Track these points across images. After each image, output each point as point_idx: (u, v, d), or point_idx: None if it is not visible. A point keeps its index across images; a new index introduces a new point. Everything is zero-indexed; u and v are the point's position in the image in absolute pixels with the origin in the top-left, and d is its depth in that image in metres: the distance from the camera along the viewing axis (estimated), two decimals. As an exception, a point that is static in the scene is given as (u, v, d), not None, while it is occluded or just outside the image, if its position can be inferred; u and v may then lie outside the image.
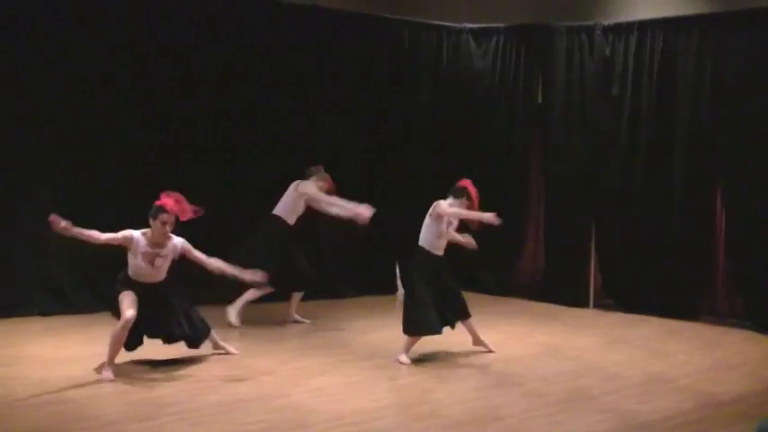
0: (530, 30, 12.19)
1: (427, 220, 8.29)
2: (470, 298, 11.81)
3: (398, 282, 12.18)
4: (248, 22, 11.05)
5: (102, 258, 9.99)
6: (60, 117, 10.01)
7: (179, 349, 7.95)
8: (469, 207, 8.23)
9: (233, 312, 9.50)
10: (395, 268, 12.20)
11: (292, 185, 9.67)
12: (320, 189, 9.57)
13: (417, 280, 8.24)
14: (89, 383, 7.10)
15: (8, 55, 9.71)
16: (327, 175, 9.73)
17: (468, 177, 12.36)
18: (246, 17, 11.06)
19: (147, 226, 7.44)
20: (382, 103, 12.14)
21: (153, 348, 8.41)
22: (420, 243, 8.33)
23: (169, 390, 7.05)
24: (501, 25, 12.42)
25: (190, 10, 10.71)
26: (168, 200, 7.38)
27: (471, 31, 12.61)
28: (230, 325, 9.39)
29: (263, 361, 8.12)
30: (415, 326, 8.17)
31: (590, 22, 11.56)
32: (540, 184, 12.40)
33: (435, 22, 12.55)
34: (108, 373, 7.22)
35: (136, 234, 7.38)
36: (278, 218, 9.59)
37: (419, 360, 8.27)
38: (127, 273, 7.49)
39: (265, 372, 7.73)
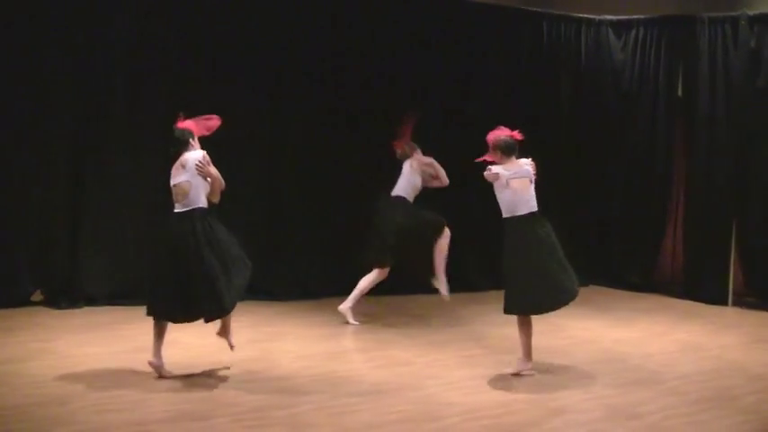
0: (671, 21, 11.94)
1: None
2: (613, 294, 11.80)
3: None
4: (392, 16, 11.19)
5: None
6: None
7: (321, 339, 8.07)
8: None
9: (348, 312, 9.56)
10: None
11: (407, 163, 9.77)
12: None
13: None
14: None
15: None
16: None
17: (608, 171, 12.32)
18: (389, 11, 11.18)
19: None
20: (521, 97, 12.02)
21: (293, 337, 8.64)
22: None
23: (307, 379, 7.20)
24: (641, 17, 12.20)
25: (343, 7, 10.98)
26: None
27: (611, 23, 12.43)
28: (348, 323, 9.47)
29: (400, 353, 8.23)
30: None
31: (735, 13, 11.25)
32: (680, 178, 12.13)
33: (575, 15, 12.42)
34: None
35: None
36: (400, 197, 9.71)
37: (555, 354, 8.26)
38: None
39: (403, 363, 7.84)
